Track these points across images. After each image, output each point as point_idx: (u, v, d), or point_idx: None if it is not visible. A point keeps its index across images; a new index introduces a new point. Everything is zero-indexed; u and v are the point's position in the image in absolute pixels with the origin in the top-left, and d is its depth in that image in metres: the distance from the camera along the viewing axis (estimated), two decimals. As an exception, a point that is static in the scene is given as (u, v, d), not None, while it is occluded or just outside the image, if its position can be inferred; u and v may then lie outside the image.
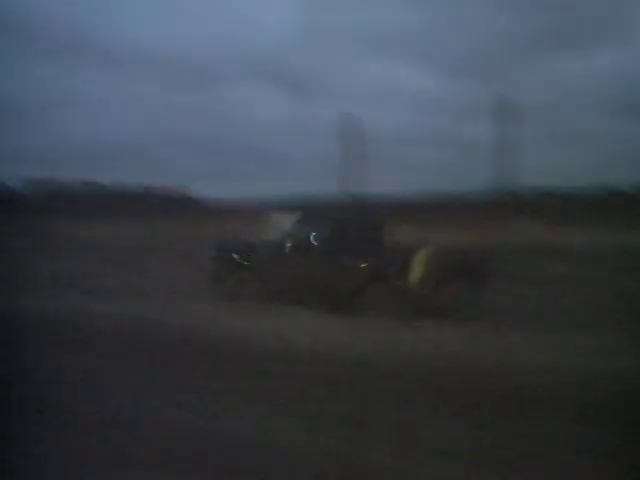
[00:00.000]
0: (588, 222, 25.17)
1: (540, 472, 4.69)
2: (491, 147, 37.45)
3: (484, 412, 5.82)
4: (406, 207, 35.97)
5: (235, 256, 13.39)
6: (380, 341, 8.83)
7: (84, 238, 32.62)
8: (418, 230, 17.06)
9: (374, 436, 5.31)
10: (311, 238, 12.55)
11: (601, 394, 6.31)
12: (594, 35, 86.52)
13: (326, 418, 5.68)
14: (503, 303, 11.46)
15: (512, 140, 36.29)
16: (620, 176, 41.64)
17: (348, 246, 12.00)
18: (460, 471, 4.65)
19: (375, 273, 11.38)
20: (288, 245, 12.65)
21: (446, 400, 6.14)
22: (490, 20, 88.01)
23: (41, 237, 35.80)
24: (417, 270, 10.87)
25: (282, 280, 12.40)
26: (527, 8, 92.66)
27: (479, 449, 5.04)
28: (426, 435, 5.33)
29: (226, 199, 65.93)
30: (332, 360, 7.71)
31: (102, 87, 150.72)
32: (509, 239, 20.14)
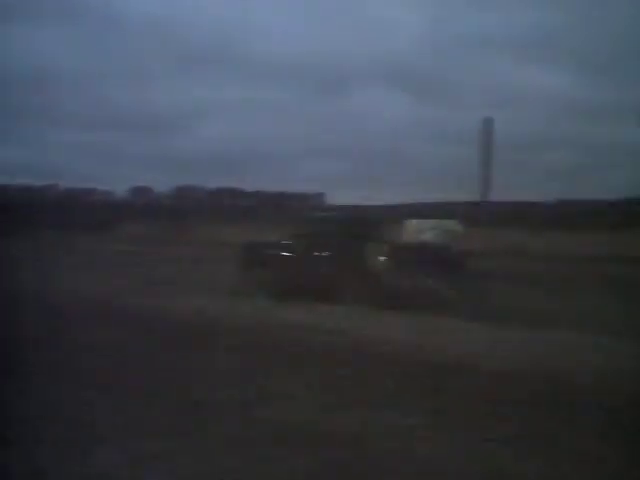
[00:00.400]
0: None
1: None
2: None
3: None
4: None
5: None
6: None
7: (228, 243, 34.31)
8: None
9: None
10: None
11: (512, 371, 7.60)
12: None
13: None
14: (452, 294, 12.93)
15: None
16: None
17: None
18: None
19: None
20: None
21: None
22: (631, 20, 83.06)
23: (188, 243, 37.87)
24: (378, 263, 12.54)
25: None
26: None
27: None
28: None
29: (361, 205, 66.47)
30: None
31: (238, 96, 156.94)
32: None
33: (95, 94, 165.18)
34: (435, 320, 11.12)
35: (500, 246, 30.90)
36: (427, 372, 7.53)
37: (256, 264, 14.57)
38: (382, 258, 12.62)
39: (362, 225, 14.88)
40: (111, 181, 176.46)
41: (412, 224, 33.62)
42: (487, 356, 8.34)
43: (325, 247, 13.60)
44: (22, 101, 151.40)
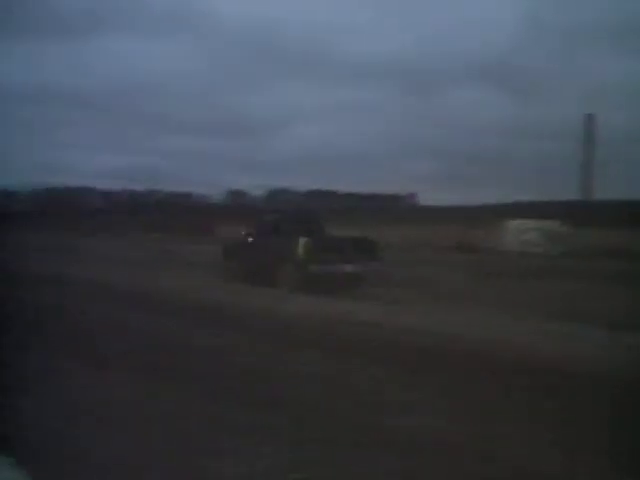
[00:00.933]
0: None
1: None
2: None
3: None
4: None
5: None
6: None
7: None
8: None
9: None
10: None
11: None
12: None
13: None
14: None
15: None
16: None
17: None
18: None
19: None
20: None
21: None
22: None
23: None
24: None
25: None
26: None
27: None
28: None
29: (453, 204, 65.29)
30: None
31: (332, 98, 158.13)
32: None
33: (193, 101, 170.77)
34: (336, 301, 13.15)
35: (606, 247, 29.72)
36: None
37: (230, 255, 18.01)
38: (306, 250, 14.83)
39: (296, 223, 17.24)
40: (207, 185, 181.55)
41: (513, 225, 32.98)
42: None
43: (268, 242, 16.29)
44: (134, 110, 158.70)
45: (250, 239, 17.05)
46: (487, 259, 25.51)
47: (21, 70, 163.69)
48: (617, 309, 12.11)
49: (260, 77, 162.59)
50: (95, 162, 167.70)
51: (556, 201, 44.34)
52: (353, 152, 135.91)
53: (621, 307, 12.44)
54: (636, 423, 5.73)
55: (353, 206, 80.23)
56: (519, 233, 30.88)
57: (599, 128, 40.84)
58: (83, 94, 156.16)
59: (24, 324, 9.64)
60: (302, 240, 14.82)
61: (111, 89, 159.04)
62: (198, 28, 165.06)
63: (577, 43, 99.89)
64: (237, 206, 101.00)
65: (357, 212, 67.88)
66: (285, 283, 14.89)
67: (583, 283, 16.72)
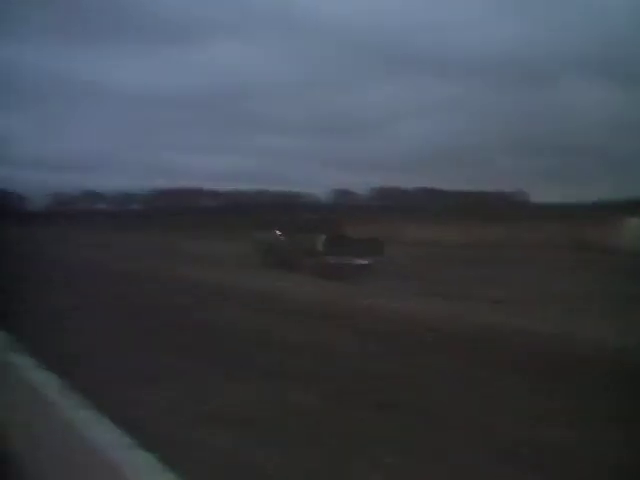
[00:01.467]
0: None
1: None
2: None
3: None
4: None
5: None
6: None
7: (430, 240, 34.20)
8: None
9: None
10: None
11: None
12: None
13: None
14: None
15: None
16: None
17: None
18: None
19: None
20: None
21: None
22: None
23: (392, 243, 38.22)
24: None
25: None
26: None
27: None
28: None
29: (564, 202, 62.60)
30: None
31: (435, 94, 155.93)
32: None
33: (298, 102, 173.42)
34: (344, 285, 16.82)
35: None
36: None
37: (263, 248, 22.56)
38: (323, 245, 18.81)
39: (315, 224, 21.41)
40: (314, 184, 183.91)
41: (633, 222, 31.18)
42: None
43: (295, 238, 20.33)
44: (234, 111, 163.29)
45: (282, 237, 21.45)
46: (607, 258, 24.28)
47: (133, 74, 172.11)
48: None
49: (360, 75, 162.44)
50: (204, 163, 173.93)
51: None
52: (457, 149, 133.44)
53: None
54: None
55: (459, 204, 78.72)
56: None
57: None
58: (190, 96, 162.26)
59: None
60: (321, 237, 19.04)
61: (216, 91, 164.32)
62: (297, 29, 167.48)
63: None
64: (344, 205, 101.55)
65: (463, 210, 66.52)
66: (308, 270, 18.62)
67: None
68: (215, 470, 4.53)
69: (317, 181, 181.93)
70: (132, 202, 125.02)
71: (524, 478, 4.49)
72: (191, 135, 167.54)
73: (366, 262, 18.77)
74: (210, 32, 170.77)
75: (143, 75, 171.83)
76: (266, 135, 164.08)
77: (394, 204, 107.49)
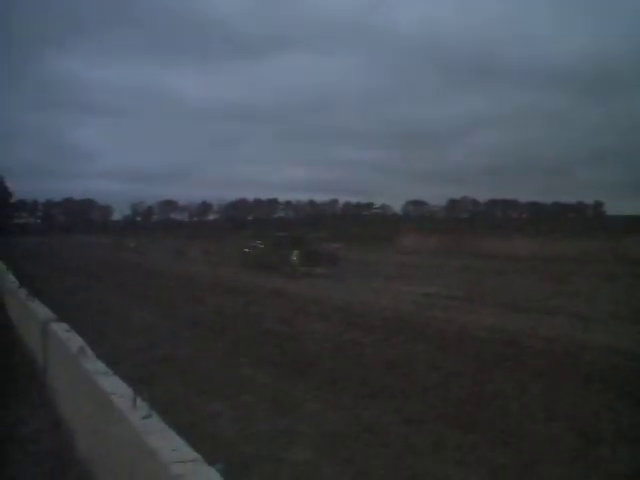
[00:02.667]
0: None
1: None
2: None
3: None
4: None
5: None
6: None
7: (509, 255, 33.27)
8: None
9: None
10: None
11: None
12: None
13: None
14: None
15: None
16: None
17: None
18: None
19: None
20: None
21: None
22: None
23: (466, 254, 37.56)
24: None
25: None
26: None
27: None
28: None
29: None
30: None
31: (511, 104, 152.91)
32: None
33: (370, 113, 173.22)
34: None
35: None
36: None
37: (246, 254, 30.69)
38: (297, 257, 25.30)
39: (291, 241, 27.69)
40: (388, 195, 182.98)
41: None
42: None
43: (274, 251, 27.38)
44: (311, 123, 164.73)
45: (262, 247, 29.08)
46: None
47: (212, 90, 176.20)
48: None
49: (438, 86, 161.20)
50: (279, 174, 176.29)
51: None
52: (534, 160, 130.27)
53: None
54: None
55: (536, 215, 76.78)
56: None
57: None
58: (265, 110, 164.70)
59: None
60: (295, 252, 25.50)
61: (293, 104, 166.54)
62: (376, 40, 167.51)
63: None
64: (417, 216, 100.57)
65: (540, 222, 64.74)
66: (285, 274, 24.85)
67: None
68: None
69: (392, 192, 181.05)
70: (210, 212, 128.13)
71: None
72: (267, 147, 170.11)
73: (323, 271, 24.90)
74: (287, 45, 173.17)
75: (222, 90, 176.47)
76: (343, 146, 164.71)
77: (468, 215, 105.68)
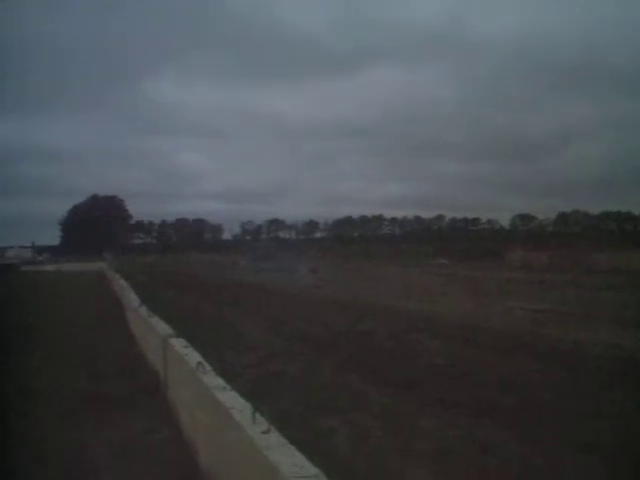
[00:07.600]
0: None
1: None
2: None
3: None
4: None
5: None
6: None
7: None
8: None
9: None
10: None
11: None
12: None
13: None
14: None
15: None
16: None
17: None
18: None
19: None
20: None
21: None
22: None
23: (579, 269, 36.00)
24: None
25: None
26: None
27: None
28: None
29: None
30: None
31: (621, 111, 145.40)
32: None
33: (467, 126, 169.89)
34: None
35: None
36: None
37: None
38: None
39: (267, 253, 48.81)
40: (495, 210, 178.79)
41: None
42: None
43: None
44: (407, 137, 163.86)
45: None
46: None
47: (307, 107, 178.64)
48: None
49: (534, 94, 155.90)
50: (382, 190, 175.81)
51: None
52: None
53: None
54: None
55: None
56: None
57: None
58: (360, 126, 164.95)
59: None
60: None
61: (387, 118, 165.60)
62: (465, 51, 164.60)
63: None
64: (525, 230, 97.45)
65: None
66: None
67: None
68: None
69: (499, 206, 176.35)
70: (315, 230, 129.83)
71: None
72: (367, 163, 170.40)
73: (307, 281, 31.00)
74: (376, 58, 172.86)
75: (317, 107, 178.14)
76: (442, 160, 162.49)
77: (580, 229, 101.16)
